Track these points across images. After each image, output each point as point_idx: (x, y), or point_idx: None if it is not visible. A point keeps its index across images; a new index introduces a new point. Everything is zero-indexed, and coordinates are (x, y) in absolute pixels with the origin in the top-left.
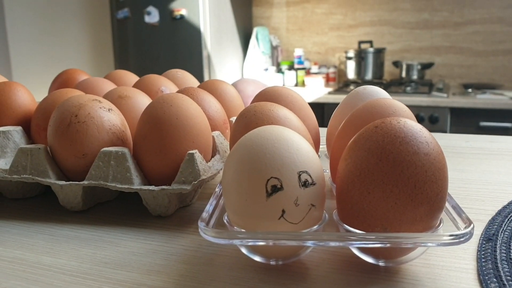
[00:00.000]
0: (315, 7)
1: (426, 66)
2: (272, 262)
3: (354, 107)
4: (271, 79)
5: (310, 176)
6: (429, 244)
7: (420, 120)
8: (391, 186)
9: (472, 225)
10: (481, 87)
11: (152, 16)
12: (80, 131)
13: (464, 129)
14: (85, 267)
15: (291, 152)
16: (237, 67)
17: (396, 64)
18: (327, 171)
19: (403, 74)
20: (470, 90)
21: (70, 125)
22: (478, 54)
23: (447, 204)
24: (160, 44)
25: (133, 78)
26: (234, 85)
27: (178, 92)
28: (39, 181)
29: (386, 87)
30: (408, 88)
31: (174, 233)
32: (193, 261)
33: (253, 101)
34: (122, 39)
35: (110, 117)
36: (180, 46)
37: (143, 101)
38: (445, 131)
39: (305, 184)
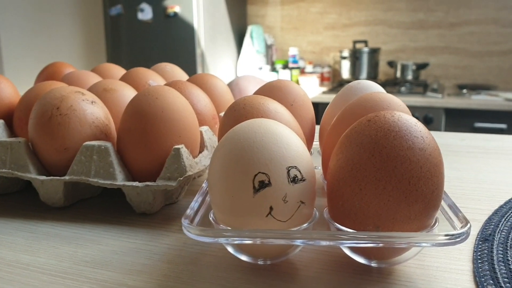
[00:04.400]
0: (310, 6)
1: (421, 66)
2: (260, 262)
3: (348, 101)
4: (265, 78)
5: (299, 171)
6: (423, 244)
7: None
8: (384, 182)
9: (468, 225)
10: (476, 88)
11: (145, 13)
12: (62, 124)
13: (459, 130)
14: (65, 266)
15: (280, 147)
16: (231, 66)
17: (391, 64)
18: (319, 167)
19: (398, 74)
20: (465, 91)
21: (51, 118)
22: (473, 55)
23: (443, 203)
24: (153, 42)
25: (120, 71)
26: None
27: (165, 85)
28: (19, 176)
29: None
30: (403, 88)
31: (159, 231)
32: (177, 261)
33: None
34: (115, 36)
35: (93, 110)
36: (174, 44)
37: (129, 94)
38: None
39: (294, 180)
